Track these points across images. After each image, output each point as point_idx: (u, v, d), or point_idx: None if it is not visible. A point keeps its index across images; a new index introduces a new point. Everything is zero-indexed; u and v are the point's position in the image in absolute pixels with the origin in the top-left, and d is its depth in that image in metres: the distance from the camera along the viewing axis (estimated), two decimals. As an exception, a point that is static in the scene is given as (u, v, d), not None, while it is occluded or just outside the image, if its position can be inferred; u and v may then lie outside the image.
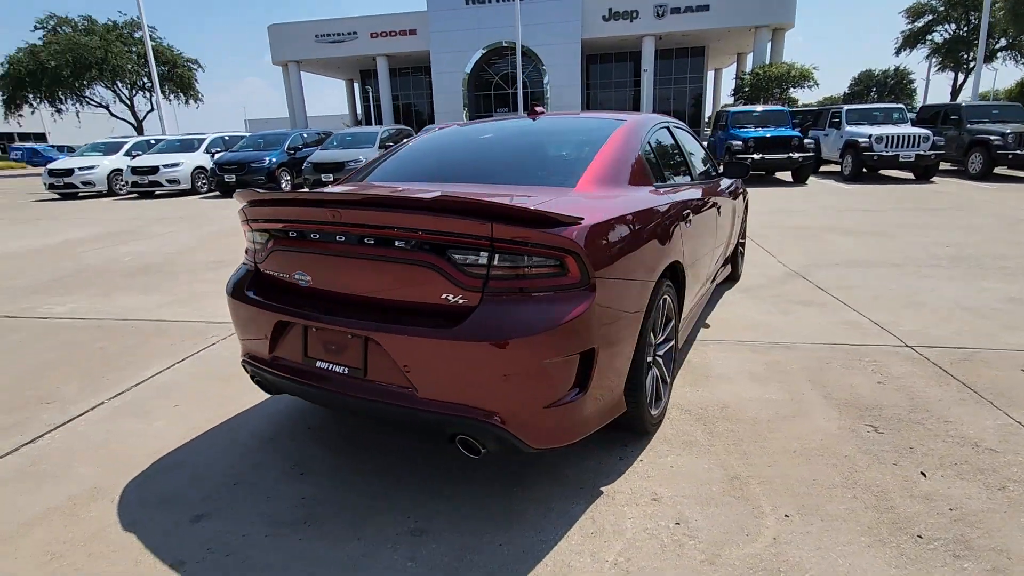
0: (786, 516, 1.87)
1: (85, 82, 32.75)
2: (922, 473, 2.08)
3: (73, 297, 4.83)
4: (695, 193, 2.94)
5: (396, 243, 1.78)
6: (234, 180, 13.62)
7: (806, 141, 12.24)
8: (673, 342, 2.58)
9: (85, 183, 14.65)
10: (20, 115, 33.25)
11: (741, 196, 4.51)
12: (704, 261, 3.07)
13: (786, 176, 13.35)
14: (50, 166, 15.18)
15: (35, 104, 33.03)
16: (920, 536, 1.75)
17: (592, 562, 1.69)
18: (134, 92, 34.28)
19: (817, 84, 31.13)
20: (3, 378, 3.16)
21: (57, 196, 14.93)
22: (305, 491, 2.07)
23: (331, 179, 13.31)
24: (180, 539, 1.83)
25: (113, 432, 2.53)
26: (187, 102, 37.14)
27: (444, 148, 2.70)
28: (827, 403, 2.62)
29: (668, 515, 1.89)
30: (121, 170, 14.88)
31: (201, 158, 15.01)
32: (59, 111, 34.01)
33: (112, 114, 35.56)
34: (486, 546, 1.77)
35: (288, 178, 14.41)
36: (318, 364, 1.94)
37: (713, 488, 2.03)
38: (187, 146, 15.46)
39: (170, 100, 37.35)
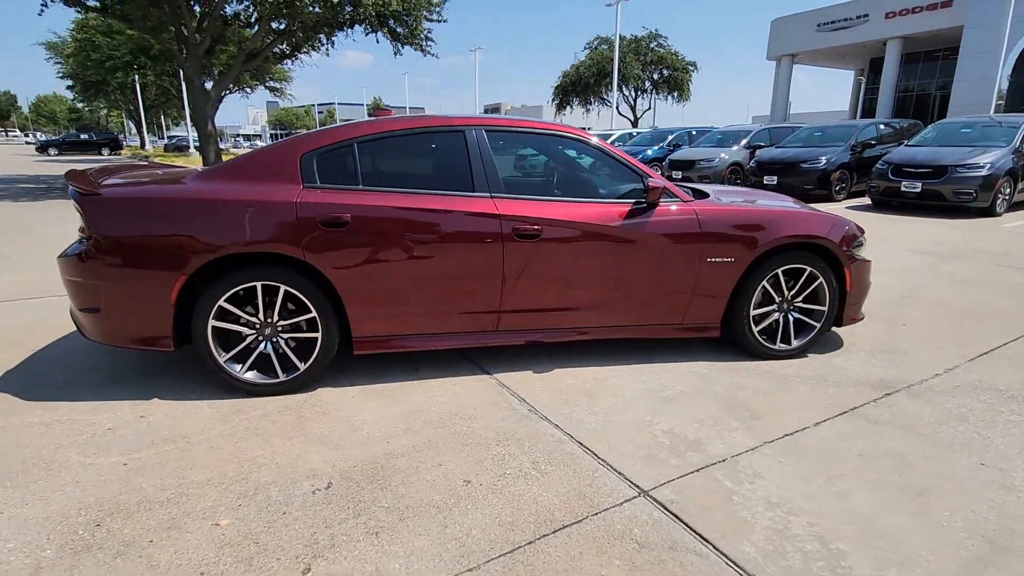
0: None
1: (603, 87, 41.51)
2: (216, 524, 1.85)
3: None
4: (422, 203, 2.71)
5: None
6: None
7: None
8: (319, 335, 2.73)
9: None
10: (563, 113, 45.25)
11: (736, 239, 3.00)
12: (422, 283, 2.78)
13: None
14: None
15: (573, 105, 44.25)
16: None
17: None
18: (637, 94, 41.07)
19: None
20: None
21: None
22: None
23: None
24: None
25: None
26: (678, 101, 41.80)
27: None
28: (324, 450, 2.23)
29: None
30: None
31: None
32: (587, 110, 44.45)
33: (619, 112, 43.74)
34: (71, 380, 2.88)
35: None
36: None
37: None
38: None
39: (666, 100, 42.87)
